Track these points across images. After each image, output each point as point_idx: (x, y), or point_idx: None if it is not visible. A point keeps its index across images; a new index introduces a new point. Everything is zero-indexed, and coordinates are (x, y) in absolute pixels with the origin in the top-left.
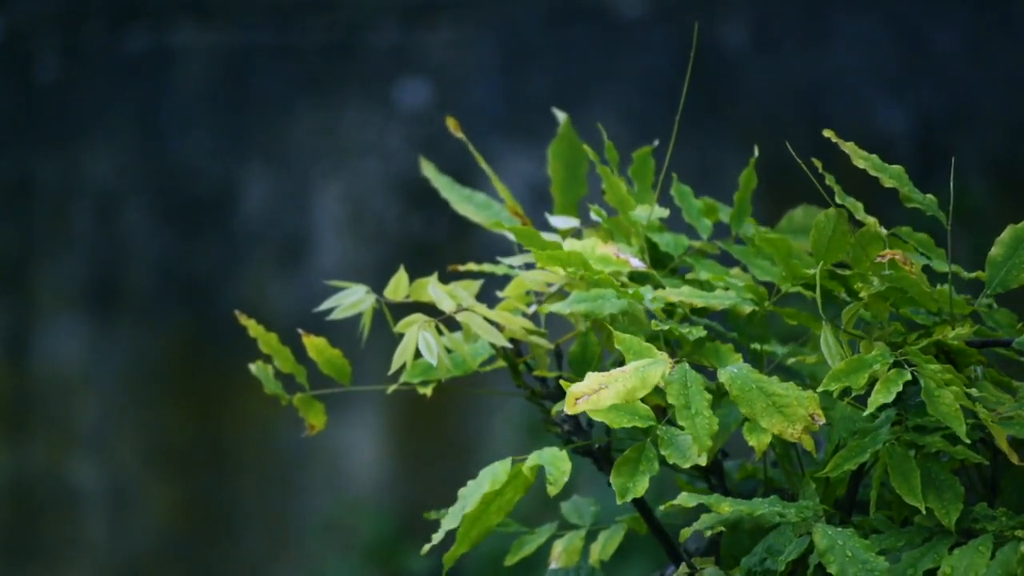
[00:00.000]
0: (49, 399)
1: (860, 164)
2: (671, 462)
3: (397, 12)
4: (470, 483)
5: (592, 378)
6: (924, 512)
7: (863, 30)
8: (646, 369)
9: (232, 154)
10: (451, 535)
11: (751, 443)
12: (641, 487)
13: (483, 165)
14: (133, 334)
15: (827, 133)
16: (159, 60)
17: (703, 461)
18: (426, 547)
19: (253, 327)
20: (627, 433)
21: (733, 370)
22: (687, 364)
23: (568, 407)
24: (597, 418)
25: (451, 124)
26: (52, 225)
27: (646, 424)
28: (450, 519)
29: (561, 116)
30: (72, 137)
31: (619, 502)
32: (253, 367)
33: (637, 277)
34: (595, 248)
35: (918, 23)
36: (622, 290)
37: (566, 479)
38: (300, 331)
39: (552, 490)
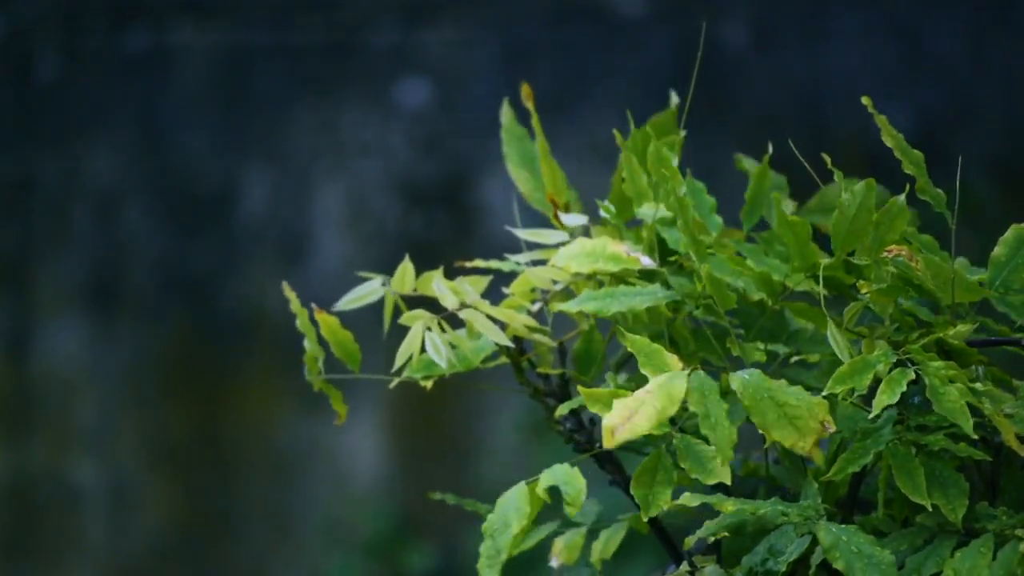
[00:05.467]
0: (49, 399)
1: (889, 142)
2: (693, 476)
3: (397, 12)
4: (491, 518)
5: (621, 405)
6: (930, 509)
7: (863, 30)
8: (669, 385)
9: (232, 153)
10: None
11: (761, 430)
12: (663, 499)
13: (540, 140)
14: (133, 333)
15: (864, 101)
16: (159, 60)
17: (727, 478)
18: None
19: (294, 301)
20: None
21: (744, 376)
22: (701, 371)
23: (606, 442)
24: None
25: (525, 92)
26: (52, 225)
27: (662, 431)
28: (488, 566)
29: (675, 99)
30: (72, 137)
31: (644, 518)
32: (307, 344)
33: (646, 275)
34: (606, 246)
35: (918, 23)
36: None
37: (584, 496)
38: (313, 305)
39: (571, 511)
